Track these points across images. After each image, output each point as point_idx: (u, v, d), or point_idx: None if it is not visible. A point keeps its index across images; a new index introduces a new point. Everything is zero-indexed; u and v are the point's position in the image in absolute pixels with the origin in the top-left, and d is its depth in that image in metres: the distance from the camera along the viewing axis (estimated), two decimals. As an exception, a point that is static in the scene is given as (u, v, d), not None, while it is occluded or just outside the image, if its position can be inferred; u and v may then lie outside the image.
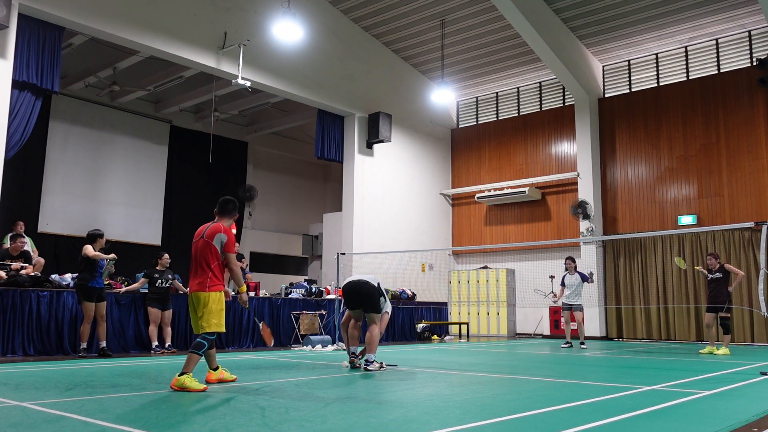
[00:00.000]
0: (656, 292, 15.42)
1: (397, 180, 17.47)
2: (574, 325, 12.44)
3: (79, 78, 14.43)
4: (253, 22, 13.86)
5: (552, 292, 13.31)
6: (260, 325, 8.15)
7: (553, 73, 16.71)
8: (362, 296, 7.37)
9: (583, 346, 12.05)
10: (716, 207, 14.91)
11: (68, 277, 9.55)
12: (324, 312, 12.79)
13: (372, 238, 16.12)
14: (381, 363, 7.32)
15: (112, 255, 9.16)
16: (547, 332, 16.68)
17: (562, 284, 12.36)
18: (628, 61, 16.89)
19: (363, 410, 4.42)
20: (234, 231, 11.30)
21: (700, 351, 11.03)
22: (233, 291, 11.83)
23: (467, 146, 19.42)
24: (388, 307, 7.56)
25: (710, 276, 10.84)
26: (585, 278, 12.20)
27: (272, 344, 8.70)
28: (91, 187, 15.31)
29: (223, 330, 5.67)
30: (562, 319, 13.10)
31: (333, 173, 20.54)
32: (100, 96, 15.29)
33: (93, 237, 9.10)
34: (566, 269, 12.37)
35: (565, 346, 12.10)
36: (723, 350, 10.62)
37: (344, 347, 10.78)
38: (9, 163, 10.58)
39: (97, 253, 8.91)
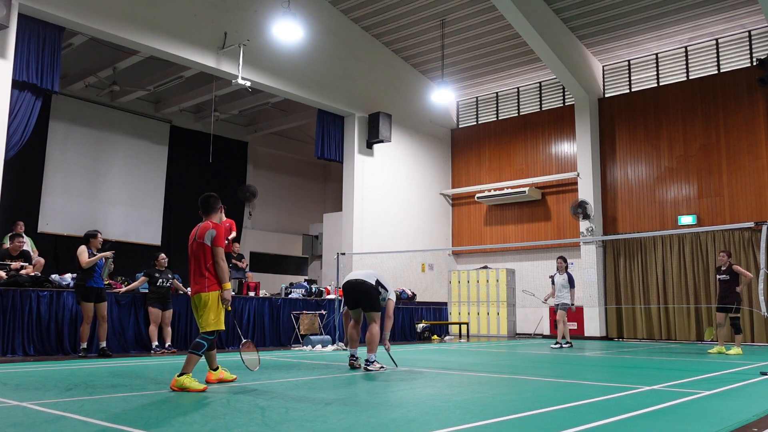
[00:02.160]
0: (656, 292, 15.42)
1: (397, 180, 17.46)
2: (572, 325, 12.43)
3: (79, 78, 14.42)
4: (253, 22, 13.85)
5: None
6: (243, 341, 6.77)
7: (553, 73, 16.70)
8: (360, 296, 7.33)
9: (564, 346, 12.01)
10: (716, 207, 14.91)
11: (68, 277, 9.55)
12: (324, 312, 12.80)
13: (372, 238, 16.12)
14: (382, 364, 7.31)
15: (107, 253, 9.13)
16: (547, 332, 16.66)
17: (553, 283, 12.44)
18: (628, 61, 16.89)
19: (363, 410, 4.42)
20: (234, 233, 11.39)
21: (709, 351, 10.96)
22: (232, 291, 11.90)
23: (467, 146, 19.41)
24: (391, 295, 7.50)
25: (719, 277, 10.77)
26: (572, 282, 12.19)
27: (256, 369, 6.45)
28: (91, 187, 15.30)
29: (223, 328, 5.68)
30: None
31: (333, 173, 20.53)
32: (100, 96, 15.28)
33: (87, 237, 9.09)
34: (557, 268, 12.42)
35: (565, 345, 12.13)
36: (735, 350, 10.55)
37: (344, 347, 10.84)
38: (9, 163, 10.57)
39: (90, 259, 8.86)
